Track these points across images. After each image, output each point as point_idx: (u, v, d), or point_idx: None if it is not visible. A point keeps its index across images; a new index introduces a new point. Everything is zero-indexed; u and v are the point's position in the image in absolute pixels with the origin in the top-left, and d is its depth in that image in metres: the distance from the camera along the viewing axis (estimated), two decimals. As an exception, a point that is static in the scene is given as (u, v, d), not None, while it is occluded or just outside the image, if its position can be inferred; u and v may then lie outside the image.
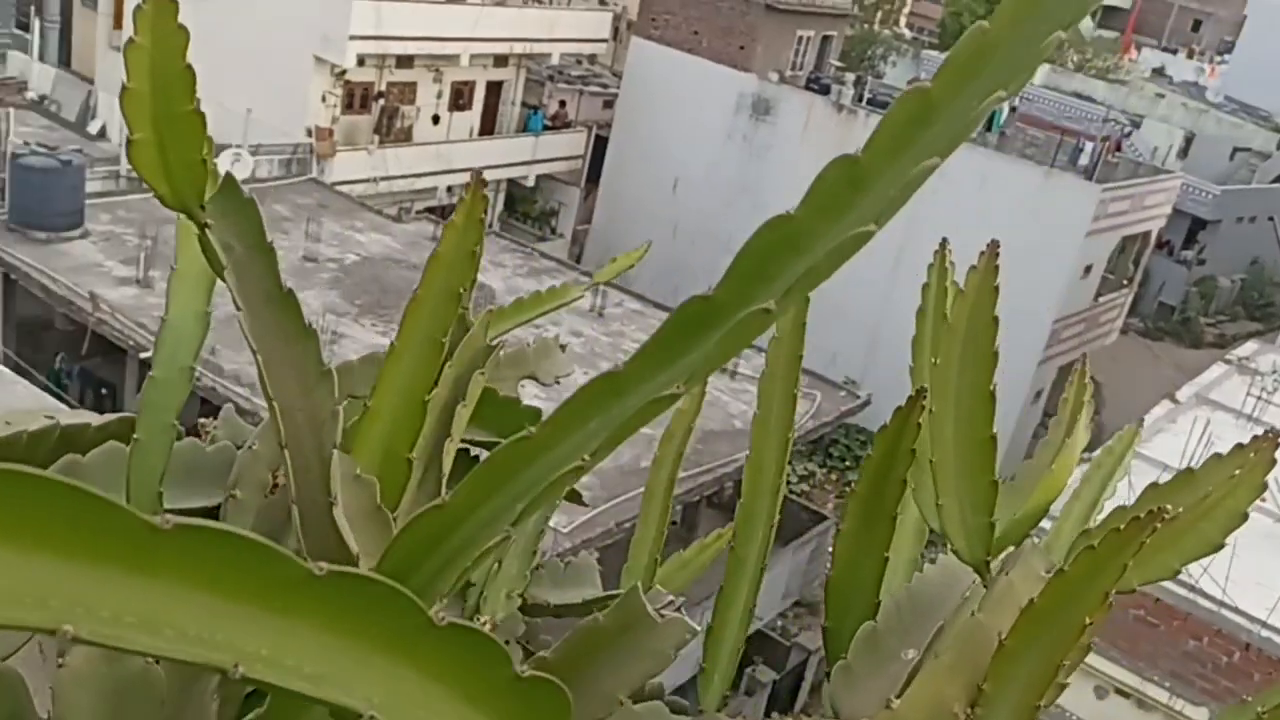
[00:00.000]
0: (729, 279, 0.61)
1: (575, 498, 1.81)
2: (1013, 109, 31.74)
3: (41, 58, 29.88)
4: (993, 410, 1.09)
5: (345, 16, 26.36)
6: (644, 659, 0.90)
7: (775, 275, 0.61)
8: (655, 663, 0.89)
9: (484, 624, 1.15)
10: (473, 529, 0.61)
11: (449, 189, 30.97)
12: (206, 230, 1.00)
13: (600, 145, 33.41)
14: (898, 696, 1.04)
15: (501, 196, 32.85)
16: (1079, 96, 43.13)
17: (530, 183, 32.79)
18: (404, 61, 28.90)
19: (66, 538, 0.46)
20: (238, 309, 0.97)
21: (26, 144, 23.04)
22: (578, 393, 0.61)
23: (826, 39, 34.69)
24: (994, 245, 1.16)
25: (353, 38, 26.68)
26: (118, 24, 30.61)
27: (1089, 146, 28.80)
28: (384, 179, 28.38)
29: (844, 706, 1.12)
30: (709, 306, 0.61)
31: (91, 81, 29.68)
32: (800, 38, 33.23)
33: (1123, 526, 0.92)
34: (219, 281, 1.17)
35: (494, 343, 1.30)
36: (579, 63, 35.78)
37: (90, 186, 22.71)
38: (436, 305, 1.02)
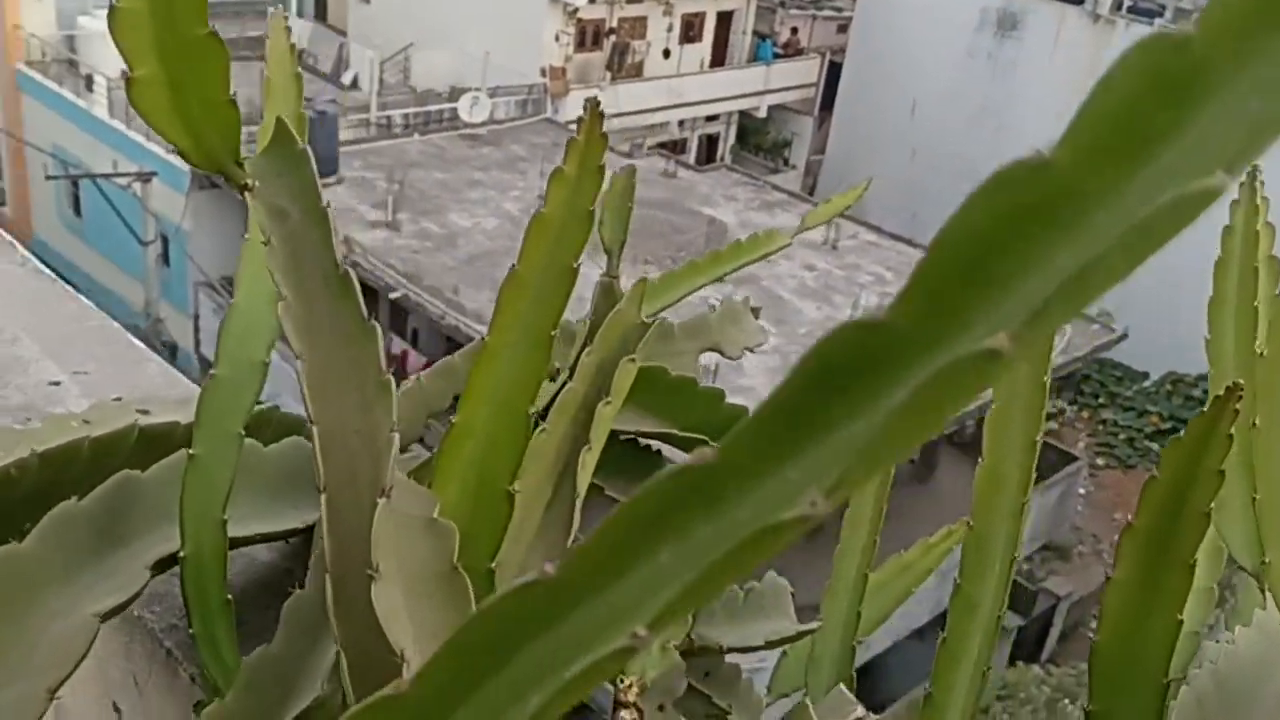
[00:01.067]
0: (907, 296, 0.31)
1: None
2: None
3: (299, 13, 31.45)
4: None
5: (578, -46, 26.42)
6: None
7: (1010, 281, 0.31)
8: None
9: (628, 687, 0.89)
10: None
11: (680, 123, 30.77)
12: (249, 193, 0.76)
13: (834, 72, 32.29)
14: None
15: (733, 129, 32.39)
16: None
17: (762, 114, 32.12)
18: (634, -5, 28.78)
19: None
20: (282, 296, 0.74)
21: (285, 96, 24.36)
22: (641, 493, 0.33)
23: (1082, -57, 32.09)
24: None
25: (583, -26, 26.74)
26: (365, -25, 31.85)
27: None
28: (616, 115, 28.45)
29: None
30: (880, 338, 0.32)
31: (344, 34, 31.06)
32: (1052, -57, 30.86)
33: None
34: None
35: (651, 318, 1.02)
36: (812, -14, 34.60)
37: (343, 135, 23.84)
38: (542, 286, 0.75)
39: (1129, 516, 0.90)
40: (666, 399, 1.27)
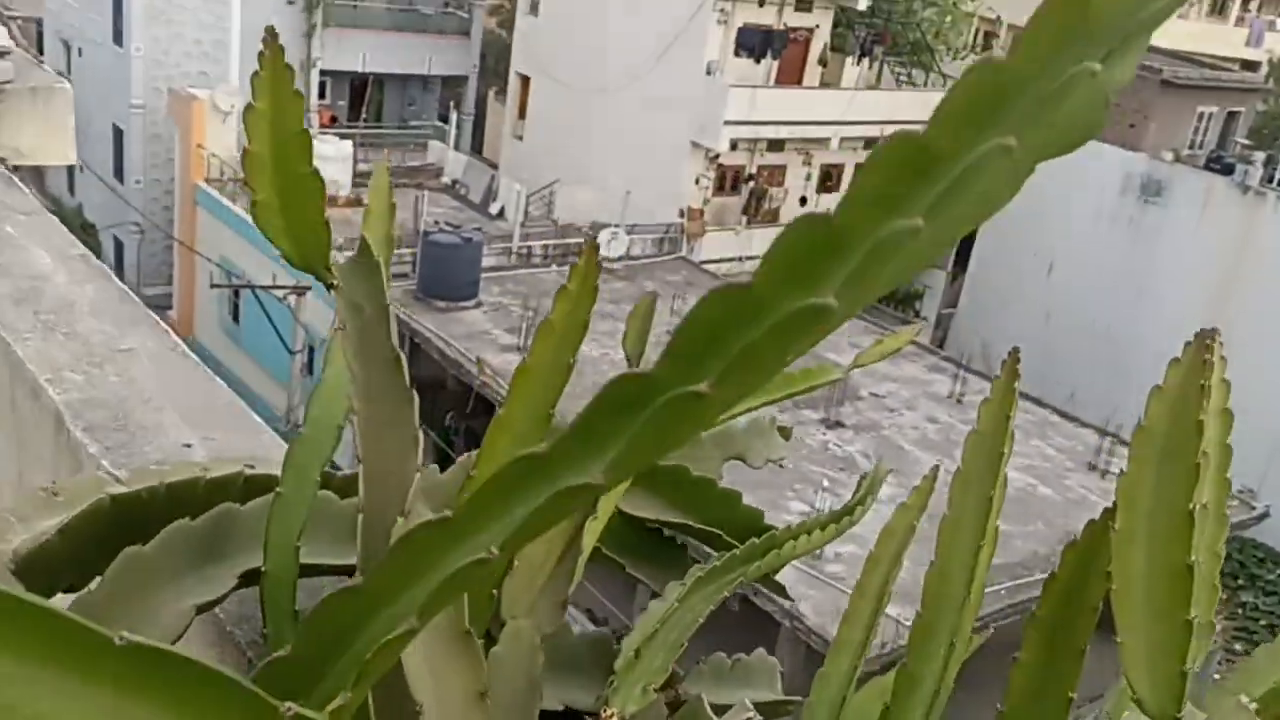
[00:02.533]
0: (663, 356, 0.52)
1: (779, 590, 1.70)
2: None
3: (456, 146, 33.35)
4: (1191, 533, 0.89)
5: (722, 103, 27.47)
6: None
7: (717, 354, 0.51)
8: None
9: (610, 716, 1.08)
10: (386, 617, 0.56)
11: (813, 269, 31.14)
12: (335, 290, 1.02)
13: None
14: None
15: (866, 278, 32.60)
16: None
17: (896, 265, 32.29)
18: (775, 145, 29.62)
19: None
20: (350, 370, 0.98)
21: (436, 223, 25.75)
22: (500, 470, 0.55)
23: (1233, 115, 31.89)
24: (1203, 335, 0.95)
25: (727, 123, 27.72)
26: (521, 113, 33.67)
27: None
28: (749, 258, 29.03)
29: None
30: (640, 385, 0.52)
31: (496, 167, 32.73)
32: (1200, 114, 30.77)
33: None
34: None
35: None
36: (953, 144, 34.98)
37: (485, 262, 24.95)
38: (544, 380, 0.98)
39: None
40: (688, 495, 1.47)
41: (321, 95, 34.54)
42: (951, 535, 1.21)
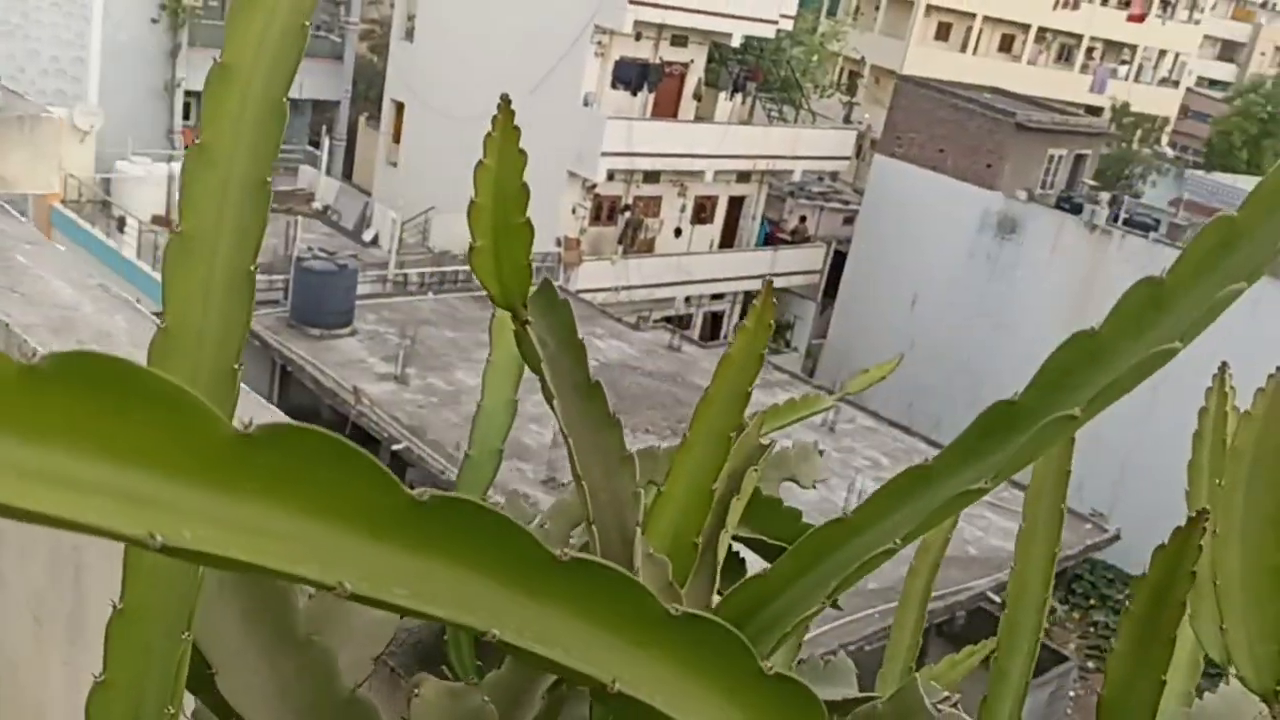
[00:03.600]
0: (1034, 386, 0.66)
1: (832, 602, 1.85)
2: (1286, 232, 29.66)
3: (328, 171, 32.83)
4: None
5: (599, 134, 27.78)
6: (919, 754, 0.92)
7: (1077, 385, 0.65)
8: (930, 758, 0.92)
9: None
10: (790, 600, 0.67)
11: (687, 299, 31.70)
12: (527, 327, 1.12)
13: (839, 261, 33.47)
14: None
15: (738, 308, 33.30)
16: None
17: (767, 296, 33.07)
18: (651, 176, 30.06)
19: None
20: (549, 399, 1.09)
21: (309, 249, 25.30)
22: (889, 482, 0.67)
23: (1080, 158, 33.75)
24: (1283, 370, 1.14)
25: (605, 154, 28.04)
26: (395, 139, 33.37)
27: (1376, 273, 26.55)
28: (625, 288, 29.36)
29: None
30: (1014, 411, 0.66)
31: (369, 194, 32.32)
32: (1052, 156, 32.47)
33: None
34: (524, 374, 1.29)
35: (765, 442, 1.37)
36: (820, 179, 36.17)
37: (361, 289, 24.60)
38: (725, 403, 1.11)
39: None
40: (758, 513, 1.60)
41: (186, 117, 33.61)
42: (1027, 549, 1.37)
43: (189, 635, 0.81)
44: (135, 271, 24.13)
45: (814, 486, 1.76)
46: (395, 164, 33.32)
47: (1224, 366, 1.62)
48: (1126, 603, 1.17)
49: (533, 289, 1.14)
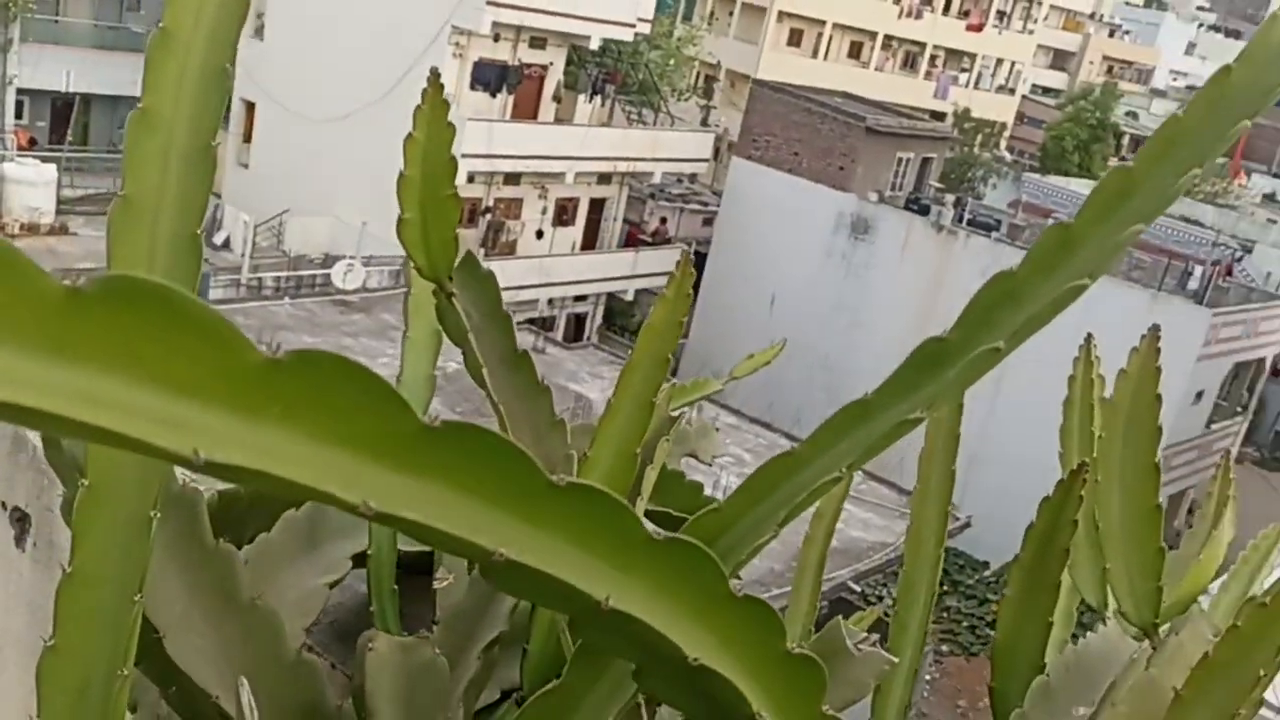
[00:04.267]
0: (960, 324, 0.72)
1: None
2: (1116, 231, 31.37)
3: (174, 173, 31.58)
4: (1158, 482, 1.17)
5: (458, 136, 27.51)
6: (844, 687, 0.98)
7: (999, 322, 0.71)
8: (855, 691, 0.98)
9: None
10: (743, 530, 0.72)
11: (550, 301, 31.68)
12: (451, 298, 1.14)
13: (699, 262, 33.87)
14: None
15: (601, 310, 33.45)
16: (1187, 220, 42.53)
17: (629, 297, 33.36)
18: (511, 178, 29.94)
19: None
20: (475, 370, 1.11)
21: (156, 252, 24.33)
22: (834, 416, 0.73)
23: (926, 161, 35.02)
24: (1155, 330, 1.25)
25: (464, 156, 27.75)
26: (246, 140, 32.40)
27: (1198, 270, 28.33)
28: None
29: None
30: (944, 347, 0.72)
31: (219, 196, 31.28)
32: (900, 159, 33.62)
33: (1292, 585, 0.99)
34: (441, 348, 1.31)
35: (675, 414, 1.42)
36: (680, 181, 36.62)
37: (213, 294, 23.80)
38: (648, 369, 1.15)
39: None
40: (662, 486, 1.65)
41: (19, 115, 31.95)
42: (921, 507, 1.45)
43: (141, 598, 0.81)
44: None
45: (711, 462, 1.83)
46: (246, 165, 32.33)
47: (1089, 338, 1.75)
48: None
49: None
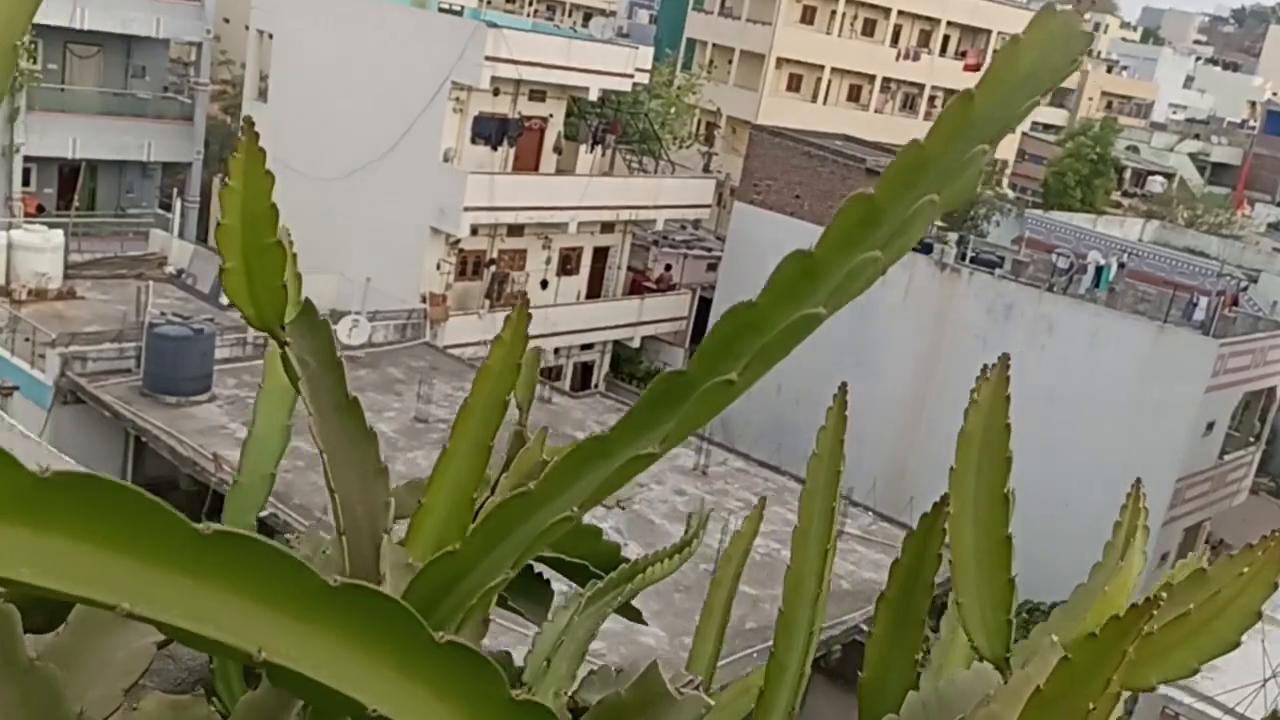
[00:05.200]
0: (699, 357, 0.71)
1: (635, 615, 1.88)
2: (1121, 265, 31.40)
3: (181, 234, 31.93)
4: (1009, 513, 1.15)
5: (461, 190, 27.76)
6: (662, 732, 0.97)
7: (739, 353, 0.71)
8: (674, 735, 0.96)
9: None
10: (482, 572, 0.71)
11: (556, 350, 31.74)
12: (285, 348, 1.14)
13: (704, 306, 33.99)
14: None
15: (607, 358, 33.49)
16: (1191, 252, 42.42)
17: (635, 344, 33.41)
18: (515, 230, 30.13)
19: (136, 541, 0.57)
20: (309, 415, 1.10)
21: (163, 314, 24.49)
22: (570, 453, 0.72)
23: (927, 200, 35.10)
24: (1004, 358, 1.23)
25: (467, 209, 28.01)
26: (251, 202, 32.70)
27: (1204, 301, 28.22)
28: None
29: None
30: (682, 380, 0.71)
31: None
32: (901, 199, 33.70)
33: (1121, 615, 0.97)
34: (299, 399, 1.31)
35: (547, 458, 1.40)
36: (683, 227, 36.79)
37: (219, 353, 23.90)
38: (485, 413, 1.14)
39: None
40: (572, 537, 1.64)
41: (26, 183, 32.36)
42: (802, 546, 1.43)
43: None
44: (-26, 346, 22.97)
45: (614, 506, 1.81)
46: (252, 225, 32.60)
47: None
48: (882, 590, 1.25)
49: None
